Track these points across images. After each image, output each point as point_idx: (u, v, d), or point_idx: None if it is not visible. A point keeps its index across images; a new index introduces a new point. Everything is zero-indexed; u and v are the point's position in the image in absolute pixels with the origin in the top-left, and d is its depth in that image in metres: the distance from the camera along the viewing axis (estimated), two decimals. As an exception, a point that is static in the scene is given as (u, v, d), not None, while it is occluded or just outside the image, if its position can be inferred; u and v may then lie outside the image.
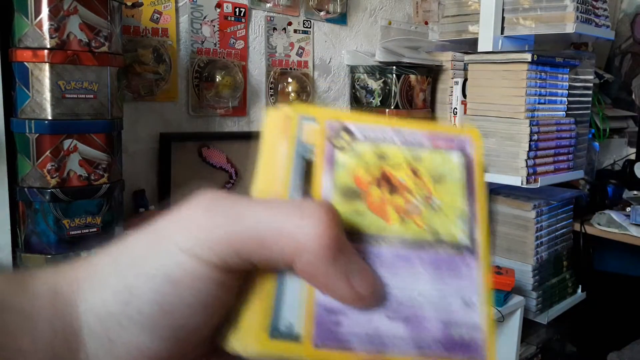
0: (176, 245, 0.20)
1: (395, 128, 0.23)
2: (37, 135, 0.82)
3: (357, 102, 1.52)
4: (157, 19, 1.13)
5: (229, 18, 1.25)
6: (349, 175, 0.22)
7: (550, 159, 1.52)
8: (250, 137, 1.32)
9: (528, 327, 1.73)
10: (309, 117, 0.22)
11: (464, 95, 1.56)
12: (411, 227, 0.21)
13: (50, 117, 0.82)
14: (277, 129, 0.22)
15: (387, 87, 1.45)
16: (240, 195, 0.21)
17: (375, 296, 0.20)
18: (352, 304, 0.20)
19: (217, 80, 1.21)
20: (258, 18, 1.31)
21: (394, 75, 1.43)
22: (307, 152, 0.22)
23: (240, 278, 0.20)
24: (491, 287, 0.22)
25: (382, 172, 0.22)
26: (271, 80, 1.35)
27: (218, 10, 1.23)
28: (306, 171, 0.22)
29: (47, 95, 0.81)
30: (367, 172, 0.22)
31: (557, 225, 1.70)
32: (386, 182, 0.22)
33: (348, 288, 0.19)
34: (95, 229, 0.88)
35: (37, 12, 0.80)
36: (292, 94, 1.38)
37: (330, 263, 0.19)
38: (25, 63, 0.81)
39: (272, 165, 0.22)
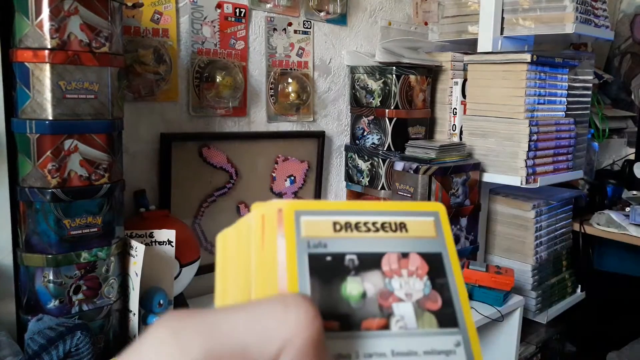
0: None
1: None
2: (38, 135, 0.83)
3: (357, 102, 1.52)
4: (157, 19, 1.14)
5: (229, 19, 1.26)
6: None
7: (550, 159, 1.52)
8: (250, 138, 1.32)
9: (527, 327, 1.73)
10: (305, 211, 0.21)
11: (464, 95, 1.56)
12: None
13: (51, 118, 0.82)
14: (270, 225, 0.21)
15: (387, 88, 1.45)
16: (211, 309, 0.18)
17: None
18: None
19: (218, 80, 1.21)
20: (258, 19, 1.32)
21: (394, 75, 1.44)
22: (311, 247, 0.21)
23: None
24: None
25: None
26: (271, 80, 1.35)
27: (218, 10, 1.24)
28: (315, 269, 0.20)
29: (48, 95, 0.82)
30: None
31: (557, 225, 1.71)
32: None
33: None
34: (96, 229, 0.89)
35: (38, 12, 0.80)
36: (292, 94, 1.38)
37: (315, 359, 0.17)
38: (26, 63, 0.81)
39: (269, 266, 0.20)
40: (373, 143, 1.49)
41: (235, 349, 0.17)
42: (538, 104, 1.47)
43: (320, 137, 1.46)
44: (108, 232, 0.91)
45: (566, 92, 1.58)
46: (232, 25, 1.26)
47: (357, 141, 1.53)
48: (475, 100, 1.52)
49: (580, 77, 1.70)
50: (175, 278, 1.05)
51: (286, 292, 0.19)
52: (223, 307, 0.18)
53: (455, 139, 1.58)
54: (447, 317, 0.21)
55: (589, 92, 1.76)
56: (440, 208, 0.23)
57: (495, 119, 1.48)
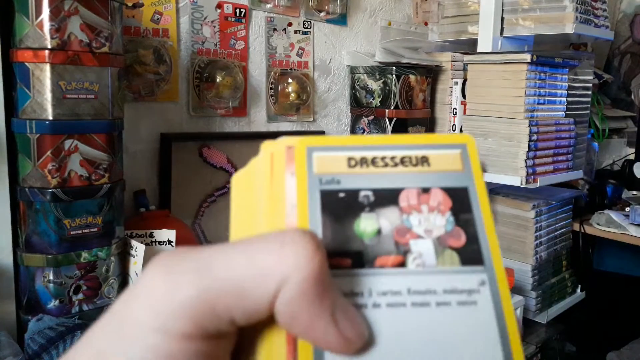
0: (142, 326, 0.16)
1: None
2: (38, 135, 0.83)
3: (357, 102, 1.52)
4: (157, 19, 1.14)
5: (230, 19, 1.26)
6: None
7: (550, 159, 1.52)
8: (250, 138, 1.32)
9: (527, 327, 1.73)
10: (318, 147, 0.20)
11: (464, 95, 1.56)
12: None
13: (51, 117, 0.82)
14: (278, 163, 0.20)
15: (387, 88, 1.45)
16: (208, 245, 0.18)
17: (362, 340, 0.17)
18: (338, 350, 0.17)
19: (218, 80, 1.22)
20: (258, 19, 1.32)
21: (394, 75, 1.44)
22: (324, 183, 0.20)
23: (228, 343, 0.17)
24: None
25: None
26: (271, 80, 1.35)
27: (218, 10, 1.24)
28: (327, 207, 0.19)
29: (48, 95, 0.82)
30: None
31: (557, 225, 1.71)
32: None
33: (334, 330, 0.16)
34: (96, 229, 0.89)
35: (38, 12, 0.80)
36: (292, 95, 1.38)
37: (316, 298, 0.16)
38: (26, 63, 0.81)
39: (277, 205, 0.19)
40: (373, 143, 1.49)
41: (230, 287, 0.16)
42: (538, 104, 1.47)
43: (320, 137, 1.46)
44: (108, 232, 0.91)
45: (566, 92, 1.58)
46: (232, 25, 1.26)
47: (357, 141, 1.53)
48: (475, 100, 1.52)
49: (580, 77, 1.70)
50: (175, 278, 1.05)
51: (286, 229, 0.18)
52: (219, 244, 0.18)
53: (455, 139, 1.57)
54: (471, 255, 0.19)
55: (589, 92, 1.76)
56: (468, 140, 0.21)
57: (495, 119, 1.48)
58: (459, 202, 0.20)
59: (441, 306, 0.18)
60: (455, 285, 0.19)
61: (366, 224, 0.19)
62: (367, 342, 0.17)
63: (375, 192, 0.20)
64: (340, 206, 0.19)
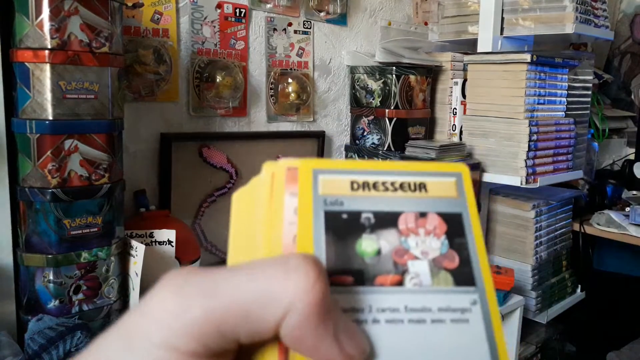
0: (150, 341, 0.17)
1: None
2: (38, 135, 0.83)
3: (357, 102, 1.52)
4: (157, 19, 1.14)
5: (230, 19, 1.26)
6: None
7: (550, 159, 1.52)
8: (250, 138, 1.32)
9: (527, 327, 1.73)
10: (323, 170, 0.22)
11: (464, 95, 1.56)
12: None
13: (51, 117, 0.82)
14: (278, 183, 0.21)
15: (387, 88, 1.45)
16: (215, 267, 0.18)
17: (364, 356, 0.18)
18: None
19: (218, 80, 1.22)
20: (258, 19, 1.32)
21: (394, 75, 1.44)
22: (328, 204, 0.21)
23: (230, 358, 0.18)
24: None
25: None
26: (271, 80, 1.35)
27: (218, 10, 1.24)
28: (330, 226, 0.21)
29: (48, 95, 0.82)
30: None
31: (557, 225, 1.71)
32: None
33: (338, 349, 0.17)
34: (96, 229, 0.89)
35: (38, 12, 0.80)
36: (292, 95, 1.38)
37: (319, 322, 0.17)
38: (26, 63, 0.81)
39: (275, 223, 0.20)
40: (373, 143, 1.49)
41: (236, 310, 0.17)
42: (538, 104, 1.47)
43: (320, 137, 1.46)
44: (108, 232, 0.91)
45: (566, 92, 1.58)
46: (232, 25, 1.26)
47: (357, 141, 1.53)
48: (475, 100, 1.52)
49: (580, 77, 1.70)
50: (175, 278, 1.05)
51: (289, 254, 0.19)
52: (227, 267, 0.18)
53: (455, 139, 1.58)
54: (464, 276, 0.21)
55: (589, 92, 1.76)
56: (463, 169, 0.23)
57: (495, 119, 1.48)
58: (454, 226, 0.22)
59: (436, 323, 0.20)
60: (449, 304, 0.20)
61: (367, 244, 0.21)
62: (368, 357, 0.18)
63: (376, 214, 0.21)
64: (343, 226, 0.21)
